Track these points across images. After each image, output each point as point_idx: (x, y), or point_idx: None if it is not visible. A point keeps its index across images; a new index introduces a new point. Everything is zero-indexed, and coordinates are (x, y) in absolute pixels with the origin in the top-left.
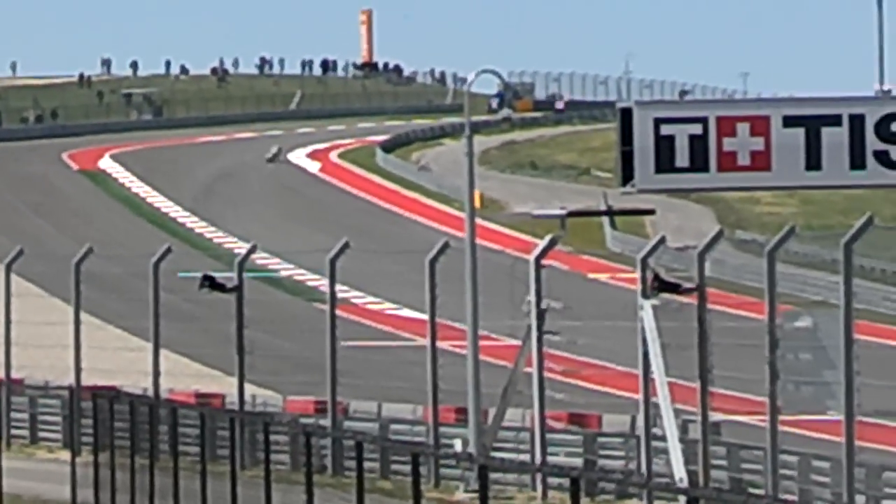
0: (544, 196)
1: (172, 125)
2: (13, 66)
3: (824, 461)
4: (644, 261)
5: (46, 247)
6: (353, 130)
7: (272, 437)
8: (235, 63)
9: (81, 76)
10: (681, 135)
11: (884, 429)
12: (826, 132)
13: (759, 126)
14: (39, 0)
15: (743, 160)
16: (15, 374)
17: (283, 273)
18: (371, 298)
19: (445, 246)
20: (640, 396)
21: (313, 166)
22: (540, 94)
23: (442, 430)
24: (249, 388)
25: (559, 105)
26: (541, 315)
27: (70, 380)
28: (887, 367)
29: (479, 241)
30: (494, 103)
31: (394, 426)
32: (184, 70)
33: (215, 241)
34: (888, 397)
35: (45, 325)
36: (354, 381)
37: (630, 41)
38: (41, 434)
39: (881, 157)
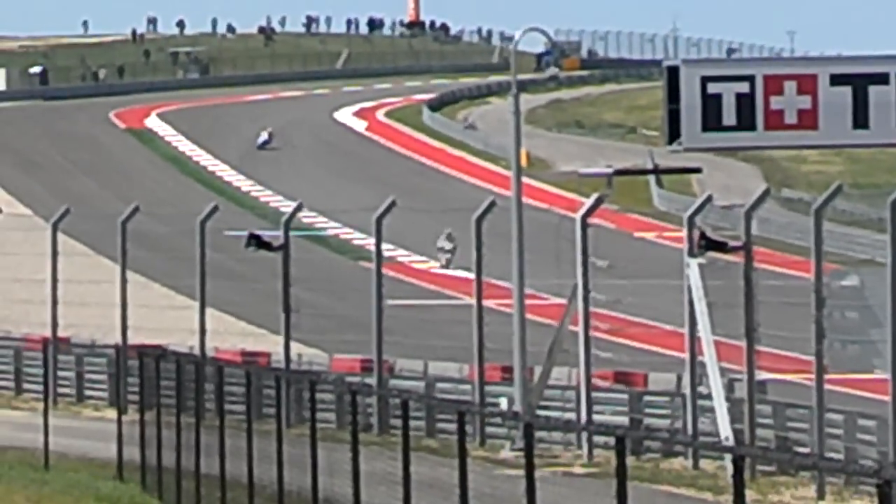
0: (591, 155)
1: (219, 84)
2: (85, 24)
3: (870, 419)
4: (691, 219)
5: (93, 206)
6: (400, 89)
7: (318, 396)
8: (282, 21)
9: (134, 33)
10: (728, 93)
11: None
12: (873, 90)
13: (806, 84)
14: None
15: (790, 118)
16: (62, 333)
17: (330, 231)
18: (417, 257)
19: (492, 205)
20: (685, 355)
21: (360, 125)
22: (583, 51)
23: (487, 388)
24: (295, 347)
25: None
26: (587, 273)
27: (116, 338)
28: None
29: (525, 199)
30: (542, 62)
31: (439, 385)
32: (230, 29)
33: (262, 199)
34: None
35: (91, 284)
36: (400, 340)
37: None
38: (87, 392)
39: None
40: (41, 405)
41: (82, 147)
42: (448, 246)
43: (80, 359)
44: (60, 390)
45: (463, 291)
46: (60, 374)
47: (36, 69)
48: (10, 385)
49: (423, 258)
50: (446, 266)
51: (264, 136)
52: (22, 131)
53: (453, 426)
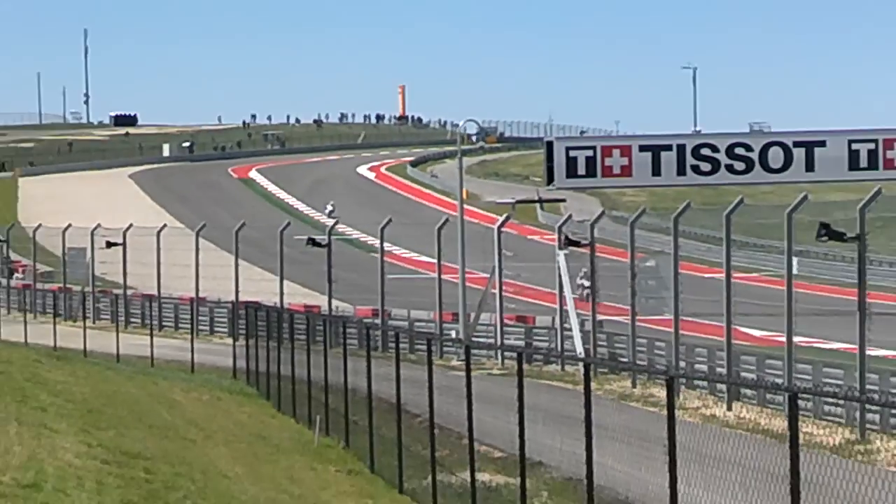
0: (503, 192)
1: (291, 152)
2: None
3: (662, 342)
4: (559, 228)
5: (218, 222)
6: (394, 154)
7: (347, 331)
8: (327, 116)
9: (244, 123)
10: (580, 156)
11: (695, 324)
12: (664, 154)
13: (626, 150)
14: (215, 82)
15: (616, 170)
16: (201, 295)
17: (354, 236)
18: (404, 250)
19: (446, 220)
20: (556, 306)
21: (371, 175)
22: (498, 132)
23: (445, 325)
24: (334, 302)
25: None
26: (500, 259)
27: (232, 297)
28: (697, 289)
29: (466, 217)
30: (476, 138)
31: (417, 323)
32: (297, 120)
33: (315, 217)
34: (697, 305)
35: (217, 267)
36: (395, 297)
37: (553, 101)
38: (216, 329)
39: (694, 168)
40: (189, 336)
41: (212, 189)
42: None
43: (211, 310)
44: (200, 328)
45: (430, 269)
46: (200, 318)
47: (186, 143)
48: (171, 325)
49: (407, 250)
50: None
51: (329, 207)
52: (178, 180)
53: (424, 347)
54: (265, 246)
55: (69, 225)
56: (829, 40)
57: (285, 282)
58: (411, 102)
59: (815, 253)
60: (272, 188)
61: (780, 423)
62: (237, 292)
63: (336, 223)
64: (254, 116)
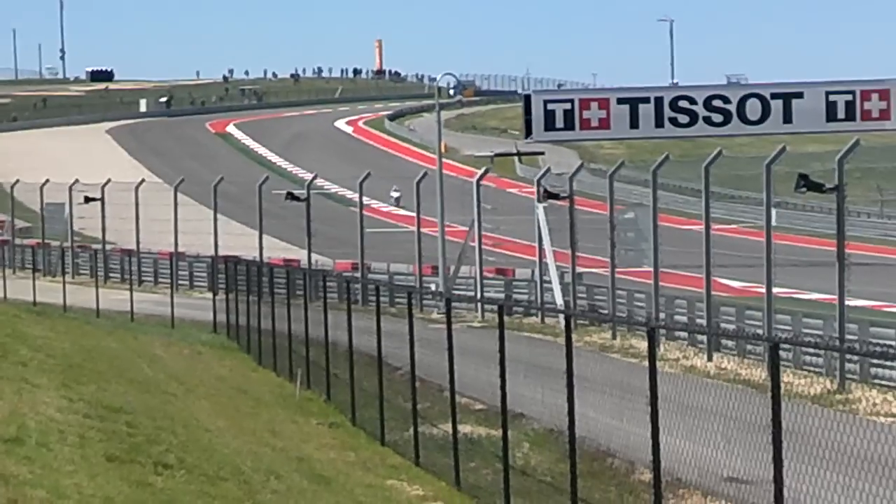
0: (481, 145)
1: (269, 107)
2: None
3: (642, 293)
4: (538, 181)
5: (197, 177)
6: (372, 108)
7: (328, 284)
8: (304, 70)
9: (225, 77)
10: (558, 109)
11: (674, 276)
12: (642, 107)
13: (603, 103)
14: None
15: (594, 123)
16: (180, 249)
17: (333, 190)
18: (382, 204)
19: (425, 174)
20: (536, 258)
21: (349, 129)
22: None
23: (424, 278)
24: (314, 256)
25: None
26: (479, 212)
27: (211, 251)
28: (676, 241)
29: (445, 171)
30: (453, 92)
31: (396, 276)
32: (274, 75)
33: (294, 172)
34: (676, 257)
35: (196, 222)
36: (374, 251)
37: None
38: (196, 283)
39: (672, 120)
40: (169, 290)
41: (190, 144)
42: (396, 195)
43: (191, 264)
44: (180, 282)
45: (410, 223)
46: (180, 273)
47: (163, 98)
48: (151, 280)
49: (385, 205)
50: (396, 204)
51: (396, 194)
52: (156, 135)
53: (405, 301)
54: (243, 200)
55: (47, 180)
56: None
57: (264, 236)
58: (388, 57)
59: (794, 204)
60: (250, 143)
61: (760, 374)
62: (216, 247)
63: (314, 178)
64: (231, 71)
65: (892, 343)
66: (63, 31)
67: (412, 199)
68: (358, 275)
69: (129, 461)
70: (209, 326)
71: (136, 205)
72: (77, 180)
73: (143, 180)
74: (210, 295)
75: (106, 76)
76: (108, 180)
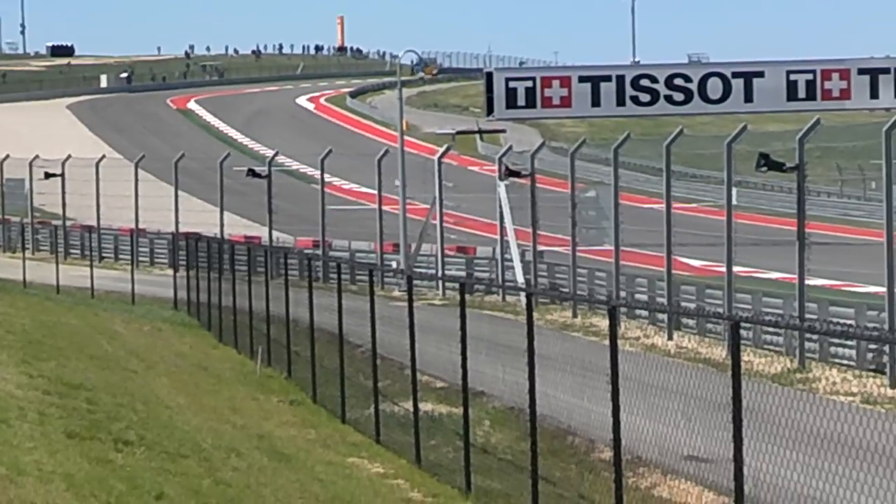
0: (443, 123)
1: (229, 83)
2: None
3: (602, 272)
4: (500, 159)
5: (157, 153)
6: (333, 85)
7: (289, 261)
8: (265, 47)
9: (187, 53)
10: (520, 87)
11: (635, 254)
12: (603, 85)
13: (565, 81)
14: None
15: (556, 101)
16: (141, 226)
17: (294, 167)
18: (344, 181)
19: (386, 152)
20: (497, 236)
21: (310, 106)
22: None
23: (386, 256)
24: (275, 233)
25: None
26: (441, 189)
27: (172, 228)
28: (637, 219)
29: (406, 148)
30: (415, 69)
31: (357, 254)
32: (236, 51)
33: (255, 149)
34: (637, 235)
35: (157, 198)
36: (335, 228)
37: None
38: (156, 260)
39: (634, 99)
40: (129, 267)
41: (151, 119)
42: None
43: (152, 241)
44: (140, 259)
45: (371, 201)
46: (140, 249)
47: (124, 74)
48: (111, 256)
49: (347, 182)
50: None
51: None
52: (116, 111)
53: (366, 278)
54: (204, 177)
55: (7, 156)
56: None
57: (225, 213)
58: (350, 33)
59: (754, 183)
60: (211, 119)
61: (720, 353)
62: (177, 223)
63: (275, 155)
64: (192, 47)
65: (852, 322)
66: (23, 6)
67: (373, 176)
68: (319, 252)
69: (90, 438)
70: (170, 303)
71: (97, 181)
72: (37, 156)
73: (103, 156)
74: (171, 272)
75: (66, 51)
76: (69, 156)
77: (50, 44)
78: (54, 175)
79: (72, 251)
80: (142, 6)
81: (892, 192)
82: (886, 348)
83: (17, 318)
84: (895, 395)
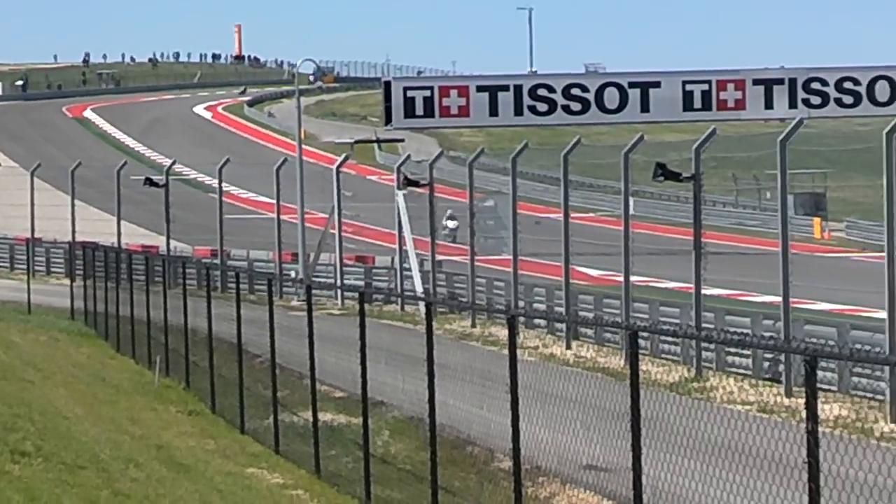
0: (341, 132)
1: (126, 91)
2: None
3: (501, 281)
4: (398, 169)
5: (55, 161)
6: (231, 94)
7: (187, 271)
8: (162, 55)
9: (84, 61)
10: (418, 96)
11: (533, 264)
12: (501, 95)
13: (463, 91)
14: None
15: (454, 111)
16: (37, 235)
17: (192, 176)
18: (241, 190)
19: (285, 161)
20: (396, 245)
21: (208, 115)
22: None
23: (284, 265)
24: (172, 243)
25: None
26: (340, 198)
27: (69, 237)
28: (536, 229)
29: (304, 157)
30: (313, 78)
31: (256, 263)
32: (132, 59)
33: (153, 157)
34: (535, 245)
35: (53, 207)
36: (234, 238)
37: (389, 41)
38: (53, 269)
39: (531, 108)
40: (25, 276)
41: (47, 128)
42: (452, 224)
43: (48, 250)
44: (36, 268)
45: (269, 210)
46: (36, 259)
47: (19, 82)
48: (6, 265)
49: (245, 191)
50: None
51: (452, 223)
52: (11, 119)
53: (265, 288)
54: (101, 186)
55: None
56: None
57: (122, 222)
58: (248, 42)
59: (651, 193)
60: (108, 128)
61: (619, 362)
62: (73, 232)
63: (173, 164)
64: (88, 55)
65: (748, 331)
66: None
67: (272, 185)
68: (217, 261)
69: None
70: (67, 313)
71: None
72: None
73: None
74: (67, 281)
75: None
76: None
77: None
78: None
79: None
80: (37, 13)
81: (787, 202)
82: (782, 357)
83: None
84: (791, 404)
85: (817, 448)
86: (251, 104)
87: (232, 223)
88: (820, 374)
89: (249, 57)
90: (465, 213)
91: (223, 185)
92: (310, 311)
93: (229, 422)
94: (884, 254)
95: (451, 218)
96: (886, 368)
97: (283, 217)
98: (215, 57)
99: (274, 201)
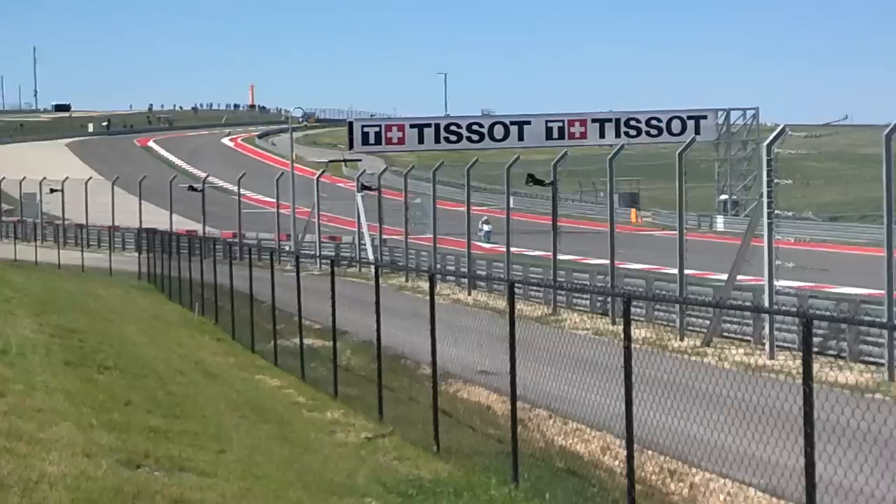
0: (320, 155)
1: (177, 129)
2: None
3: (425, 251)
4: (357, 178)
5: (128, 176)
6: (247, 131)
7: (217, 246)
8: (200, 104)
9: (150, 107)
10: (371, 131)
11: (447, 241)
12: (426, 129)
13: (401, 127)
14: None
15: (395, 140)
16: (116, 223)
17: (220, 184)
18: (254, 193)
19: (282, 174)
20: (356, 229)
21: (230, 144)
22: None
23: (281, 242)
24: (207, 228)
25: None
26: (318, 200)
27: (137, 225)
28: (449, 218)
29: (296, 172)
30: (301, 119)
31: (263, 241)
32: (180, 107)
33: (194, 172)
34: (449, 228)
35: (126, 205)
36: (248, 225)
37: (353, 94)
38: (126, 246)
39: (446, 139)
40: (108, 251)
41: (123, 154)
42: (487, 228)
43: (123, 234)
44: (115, 245)
45: (271, 206)
46: (115, 239)
47: (105, 123)
48: (96, 244)
49: (256, 194)
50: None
51: (487, 227)
52: (99, 148)
53: (268, 257)
54: (160, 191)
55: (24, 177)
56: (530, 38)
57: (174, 215)
58: (259, 95)
59: (525, 193)
60: (164, 153)
61: (502, 304)
62: (140, 222)
63: (208, 176)
64: (151, 105)
65: (587, 282)
66: (35, 76)
67: (273, 189)
68: (237, 240)
69: (81, 365)
70: (136, 275)
71: (86, 193)
72: (45, 178)
73: (90, 178)
74: (136, 254)
75: (65, 108)
76: (66, 178)
77: (54, 102)
78: (56, 190)
79: (68, 241)
80: (115, 73)
81: (614, 199)
82: (609, 299)
83: (31, 285)
84: (615, 330)
85: (630, 357)
86: (260, 137)
87: (247, 215)
88: (634, 309)
89: (260, 106)
90: (401, 208)
91: (241, 190)
92: (298, 272)
93: (245, 345)
94: (675, 232)
95: (486, 223)
96: (678, 306)
97: (281, 211)
98: (236, 106)
99: (275, 200)
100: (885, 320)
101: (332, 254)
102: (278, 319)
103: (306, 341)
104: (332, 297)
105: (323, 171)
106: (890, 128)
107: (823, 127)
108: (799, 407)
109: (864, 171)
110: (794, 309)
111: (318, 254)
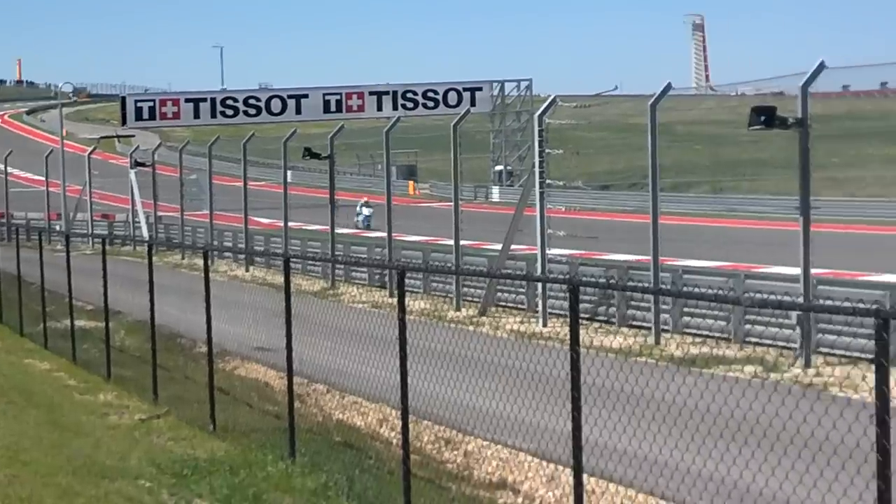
0: (92, 131)
1: None
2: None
3: (201, 228)
4: (131, 155)
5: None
6: (14, 107)
7: None
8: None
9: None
10: (145, 106)
11: (224, 216)
12: (202, 104)
13: (175, 102)
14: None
15: (169, 115)
16: None
17: None
18: (23, 172)
19: (52, 151)
20: (129, 207)
21: None
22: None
23: (52, 222)
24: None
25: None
26: (90, 176)
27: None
28: (226, 193)
29: (66, 148)
30: (71, 94)
31: (32, 221)
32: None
33: None
34: (225, 203)
35: None
36: (17, 203)
37: (125, 68)
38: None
39: (223, 113)
40: None
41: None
42: (368, 212)
43: None
44: None
45: (41, 185)
46: None
47: None
48: None
49: (25, 172)
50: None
51: (368, 211)
52: None
53: (37, 238)
54: None
55: None
56: (313, 14)
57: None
58: (25, 70)
59: (303, 167)
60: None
61: (280, 279)
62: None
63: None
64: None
65: (364, 256)
66: None
67: (43, 167)
68: (3, 220)
69: None
70: None
71: None
72: None
73: None
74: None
75: None
76: None
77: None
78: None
79: None
80: None
81: (391, 171)
82: (387, 272)
83: None
84: (392, 302)
85: (405, 329)
86: (28, 113)
87: (15, 194)
88: (411, 281)
89: (27, 81)
90: (177, 184)
91: (9, 168)
92: (68, 252)
93: (12, 328)
94: (452, 204)
95: (366, 205)
96: (454, 276)
97: (51, 189)
98: (2, 81)
99: (44, 178)
100: (650, 285)
101: (105, 232)
102: (48, 301)
103: (78, 323)
104: (104, 277)
105: (94, 148)
106: (654, 97)
107: (594, 97)
108: (567, 372)
109: (633, 140)
110: (564, 277)
111: (90, 232)
